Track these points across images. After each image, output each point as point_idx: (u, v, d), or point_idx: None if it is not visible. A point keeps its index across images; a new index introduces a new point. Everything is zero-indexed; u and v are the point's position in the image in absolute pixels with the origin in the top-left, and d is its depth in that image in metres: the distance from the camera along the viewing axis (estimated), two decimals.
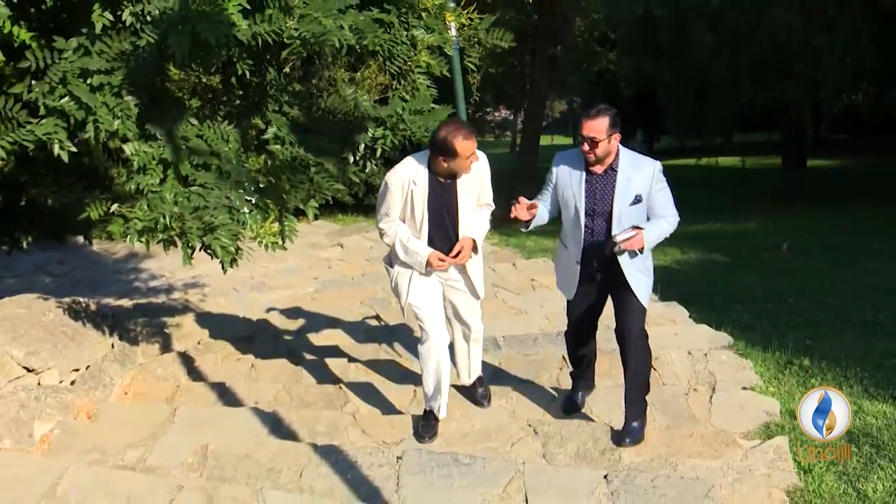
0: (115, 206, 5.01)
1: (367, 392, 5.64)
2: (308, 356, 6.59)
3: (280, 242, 5.34)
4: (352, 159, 5.43)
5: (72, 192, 6.12)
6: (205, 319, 8.09)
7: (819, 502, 3.94)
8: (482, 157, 4.82)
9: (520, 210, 4.54)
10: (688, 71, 19.12)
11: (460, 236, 4.81)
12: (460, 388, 5.37)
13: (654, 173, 4.50)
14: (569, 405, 5.20)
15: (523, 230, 4.76)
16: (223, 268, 5.01)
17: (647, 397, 5.14)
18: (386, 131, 5.39)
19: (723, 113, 20.20)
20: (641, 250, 4.46)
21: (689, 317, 7.10)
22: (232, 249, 4.91)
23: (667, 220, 4.57)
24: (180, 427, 5.03)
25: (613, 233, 4.44)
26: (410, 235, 4.78)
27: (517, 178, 20.12)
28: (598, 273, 4.68)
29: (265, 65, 5.32)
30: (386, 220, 4.80)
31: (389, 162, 5.49)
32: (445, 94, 6.85)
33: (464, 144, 4.51)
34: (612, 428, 4.71)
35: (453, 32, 5.99)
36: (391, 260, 4.94)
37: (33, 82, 4.63)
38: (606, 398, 5.19)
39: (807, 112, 19.00)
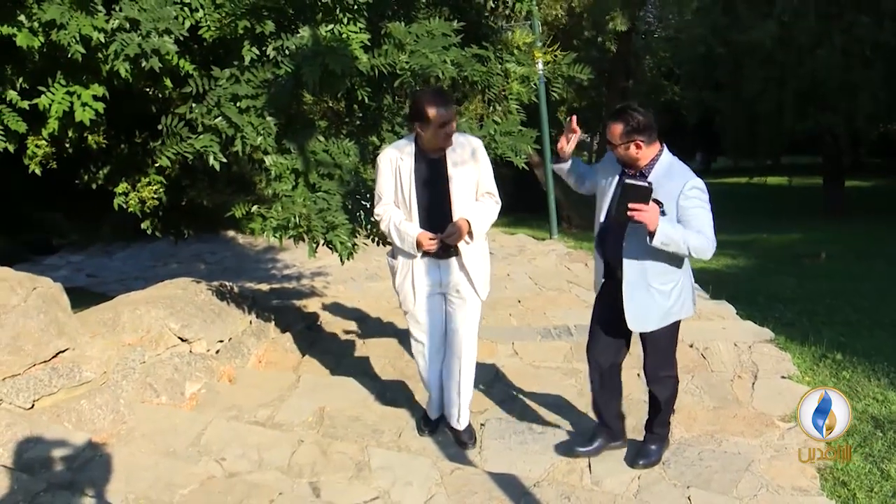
0: (255, 207, 5.13)
1: None
2: (409, 335, 6.59)
3: None
4: None
5: (222, 194, 6.29)
6: (326, 303, 8.19)
7: (846, 479, 3.78)
8: (477, 141, 4.03)
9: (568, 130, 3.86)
10: (741, 102, 18.69)
11: (454, 219, 3.89)
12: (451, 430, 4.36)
13: (682, 188, 3.48)
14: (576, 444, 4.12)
15: (557, 163, 4.02)
16: (341, 260, 5.07)
17: (696, 382, 5.00)
18: None
19: (771, 138, 19.63)
20: (651, 237, 3.38)
21: (737, 313, 6.87)
22: (349, 245, 4.95)
23: (697, 235, 3.46)
24: (303, 391, 5.09)
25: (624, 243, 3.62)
26: (403, 219, 3.93)
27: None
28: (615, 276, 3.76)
29: (382, 92, 5.35)
30: (380, 203, 4.03)
31: None
32: (534, 120, 6.78)
33: (434, 110, 3.68)
34: (631, 442, 4.17)
35: (540, 67, 5.93)
36: (394, 253, 4.13)
37: (194, 105, 4.81)
38: None
39: (844, 139, 18.41)
